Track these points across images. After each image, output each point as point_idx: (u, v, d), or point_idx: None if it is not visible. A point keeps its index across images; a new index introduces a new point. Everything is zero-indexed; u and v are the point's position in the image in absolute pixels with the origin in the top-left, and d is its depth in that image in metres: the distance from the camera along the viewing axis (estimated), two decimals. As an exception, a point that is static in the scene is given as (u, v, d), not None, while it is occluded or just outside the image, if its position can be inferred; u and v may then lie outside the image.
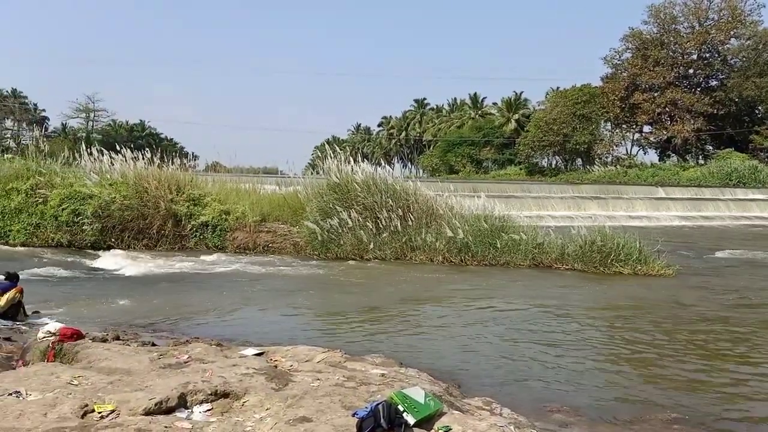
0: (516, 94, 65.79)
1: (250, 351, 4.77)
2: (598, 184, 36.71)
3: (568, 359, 5.69)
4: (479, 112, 71.44)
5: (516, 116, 62.82)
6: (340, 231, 12.43)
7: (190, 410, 3.43)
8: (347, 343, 5.95)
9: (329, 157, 13.76)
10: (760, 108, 51.73)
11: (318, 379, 3.92)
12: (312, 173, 16.68)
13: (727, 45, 50.78)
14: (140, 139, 67.57)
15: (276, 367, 4.34)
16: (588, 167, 52.35)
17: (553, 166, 58.79)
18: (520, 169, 55.68)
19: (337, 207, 12.57)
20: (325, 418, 3.19)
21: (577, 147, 51.81)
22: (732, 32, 49.39)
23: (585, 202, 27.80)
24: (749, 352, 6.05)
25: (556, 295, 9.15)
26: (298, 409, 3.37)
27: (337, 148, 14.17)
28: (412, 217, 12.54)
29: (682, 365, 5.58)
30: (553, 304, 8.35)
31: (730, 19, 48.88)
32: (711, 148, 53.76)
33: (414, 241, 12.29)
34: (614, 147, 54.34)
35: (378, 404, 3.15)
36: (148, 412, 3.30)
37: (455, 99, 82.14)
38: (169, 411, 3.38)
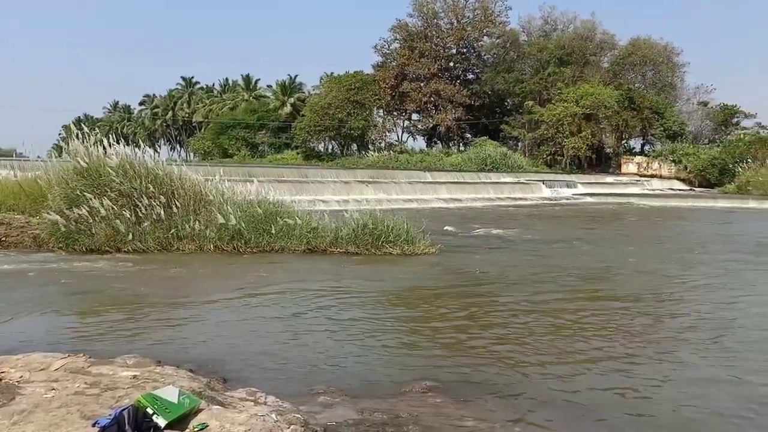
0: (290, 77, 66.28)
1: (-34, 366, 4.08)
2: (372, 169, 38.75)
3: (338, 341, 5.89)
4: (253, 94, 70.55)
5: (291, 100, 63.30)
6: (92, 221, 11.29)
7: None
8: (99, 346, 5.43)
9: (77, 138, 12.39)
10: (508, 101, 59.18)
11: (53, 389, 3.50)
12: (58, 156, 14.87)
13: (481, 42, 57.07)
14: None
15: (0, 380, 3.77)
16: (363, 152, 55.01)
17: (330, 150, 60.63)
18: (297, 153, 56.36)
19: (86, 194, 11.38)
20: (59, 433, 2.85)
21: (352, 132, 54.08)
22: (485, 30, 55.55)
23: (360, 186, 29.03)
24: (499, 321, 6.85)
25: (329, 277, 9.42)
26: (26, 426, 2.97)
27: (86, 129, 12.81)
28: (177, 204, 11.88)
29: (441, 335, 6.14)
30: (327, 286, 8.58)
31: (483, 18, 54.87)
32: (470, 136, 60.15)
33: (181, 230, 11.68)
34: (387, 133, 57.97)
35: (123, 410, 2.91)
36: None
37: (227, 79, 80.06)
38: None
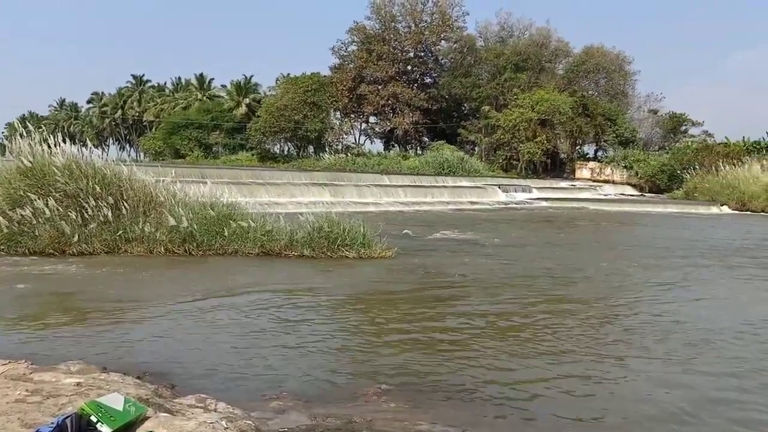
0: (246, 77, 65.51)
1: None
2: (329, 171, 38.65)
3: (292, 346, 5.86)
4: (207, 94, 69.53)
5: (246, 100, 62.62)
6: (35, 222, 10.92)
7: None
8: (42, 352, 5.26)
9: (21, 136, 11.98)
10: (465, 105, 59.88)
11: (-9, 398, 3.37)
12: (1, 155, 14.36)
13: (438, 46, 57.63)
14: None
15: (-67, 390, 3.61)
16: (319, 154, 54.77)
17: (286, 152, 60.21)
18: (252, 154, 55.80)
19: (30, 195, 11.01)
20: (-3, 444, 2.75)
21: (309, 134, 53.81)
22: (442, 35, 56.11)
23: (316, 189, 28.92)
24: (455, 324, 6.92)
25: (284, 281, 9.37)
26: (-39, 438, 2.85)
27: (31, 127, 12.40)
28: (126, 205, 11.62)
29: (397, 339, 6.16)
30: (281, 290, 8.53)
31: (440, 23, 55.41)
32: (427, 139, 60.61)
33: (130, 232, 11.42)
34: (344, 135, 57.89)
35: (66, 417, 2.82)
36: None
37: (179, 78, 78.67)
38: None
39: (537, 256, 13.00)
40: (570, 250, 14.17)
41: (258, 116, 55.88)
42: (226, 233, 11.65)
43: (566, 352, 5.83)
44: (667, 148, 54.69)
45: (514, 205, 33.12)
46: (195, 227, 11.55)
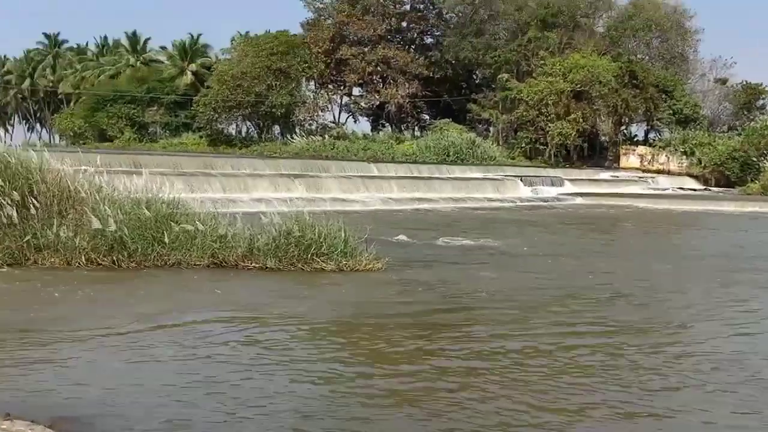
0: (192, 37, 65.24)
1: None
2: (301, 159, 38.63)
3: (244, 389, 5.86)
4: (141, 58, 69.20)
5: (193, 67, 62.44)
6: None
7: None
8: None
9: None
10: (477, 73, 59.94)
11: None
12: None
13: (443, -4, 57.52)
14: None
15: None
16: (288, 137, 54.65)
17: (244, 134, 60.06)
18: (201, 137, 55.76)
19: None
20: None
21: (274, 111, 53.64)
22: (448, -21, 56.03)
23: (284, 182, 28.90)
24: (457, 364, 6.92)
25: (239, 301, 9.34)
26: None
27: None
28: (36, 203, 11.56)
29: (376, 384, 6.15)
30: (235, 315, 8.50)
31: (445, -37, 55.41)
32: (428, 117, 60.80)
33: (42, 238, 11.37)
34: (319, 112, 57.53)
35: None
36: None
37: (106, 38, 78.17)
38: None
39: (577, 269, 13.02)
40: (620, 261, 14.23)
41: (208, 87, 55.70)
42: (166, 239, 11.60)
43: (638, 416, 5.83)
44: (738, 128, 54.83)
45: (540, 203, 33.28)
46: (126, 231, 11.48)
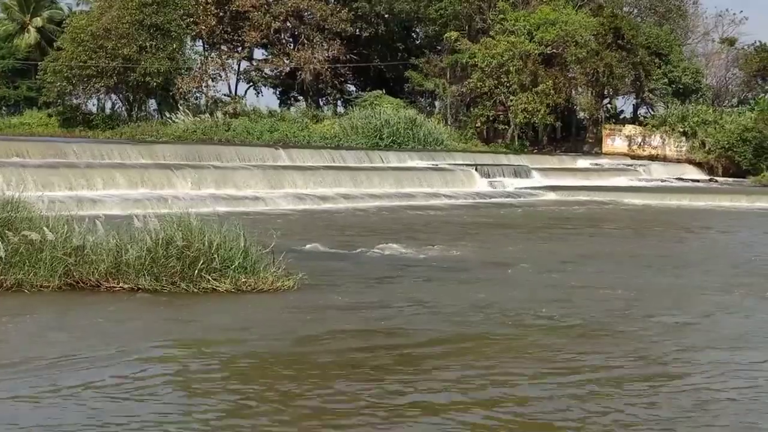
0: (36, -17, 64.08)
1: None
2: (185, 144, 38.22)
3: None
4: (-35, 9, 67.62)
5: (38, 21, 61.41)
6: None
7: None
8: None
9: None
10: (418, 31, 60.16)
11: None
12: None
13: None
14: None
15: None
16: (168, 115, 54.02)
17: (109, 111, 59.21)
18: (50, 115, 55.02)
19: None
20: None
21: (149, 80, 52.99)
22: None
23: (163, 174, 28.63)
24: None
25: (100, 336, 9.15)
26: None
27: None
28: None
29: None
30: (93, 354, 8.33)
31: None
32: (354, 88, 60.78)
33: None
34: (210, 82, 57.01)
35: None
36: None
37: None
38: None
39: (527, 286, 13.15)
40: (599, 276, 14.48)
41: (59, 49, 54.80)
42: (1, 253, 11.39)
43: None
44: (751, 101, 55.76)
45: (501, 200, 33.53)
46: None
